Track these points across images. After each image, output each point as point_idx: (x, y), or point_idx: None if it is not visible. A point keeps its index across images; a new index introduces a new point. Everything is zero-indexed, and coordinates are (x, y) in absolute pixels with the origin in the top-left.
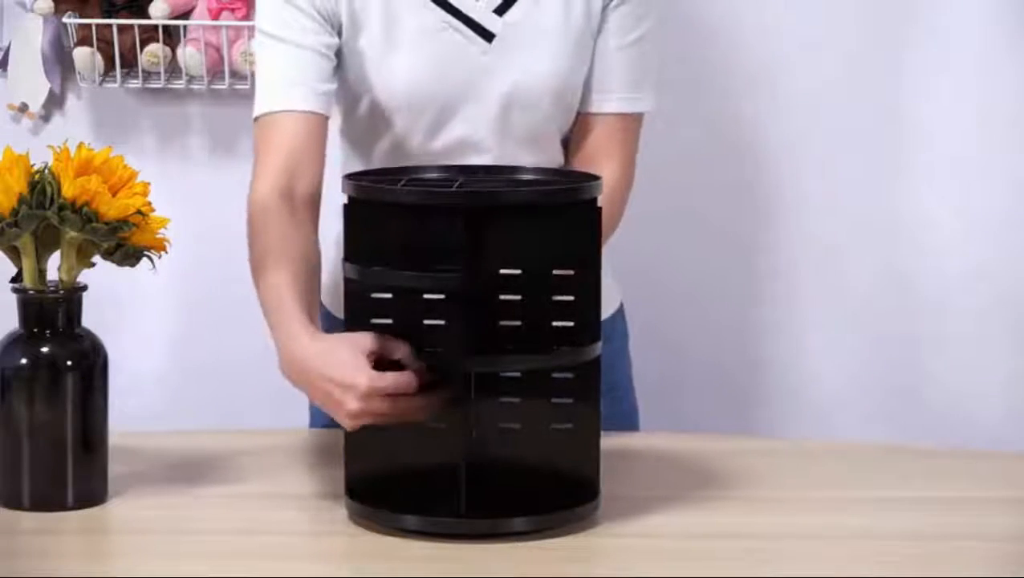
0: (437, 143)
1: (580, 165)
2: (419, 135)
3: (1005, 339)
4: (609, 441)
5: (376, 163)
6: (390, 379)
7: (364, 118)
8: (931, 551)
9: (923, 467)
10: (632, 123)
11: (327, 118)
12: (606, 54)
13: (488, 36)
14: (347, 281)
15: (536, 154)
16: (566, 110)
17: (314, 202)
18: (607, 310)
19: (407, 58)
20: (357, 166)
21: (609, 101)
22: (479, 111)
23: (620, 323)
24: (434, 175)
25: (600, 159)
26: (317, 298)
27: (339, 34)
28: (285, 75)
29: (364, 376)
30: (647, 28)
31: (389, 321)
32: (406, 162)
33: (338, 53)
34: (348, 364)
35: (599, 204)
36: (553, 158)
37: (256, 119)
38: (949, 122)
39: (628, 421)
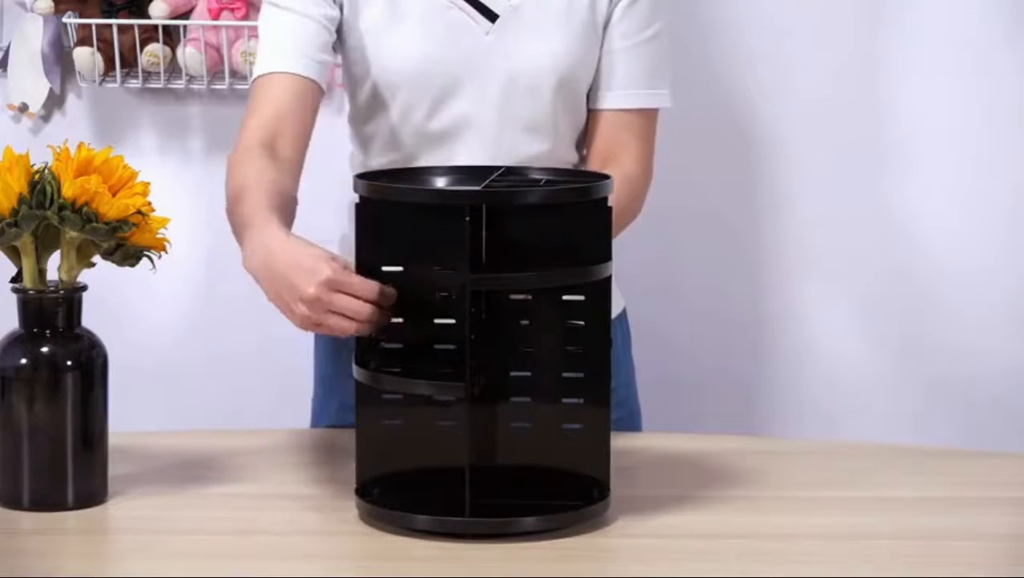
0: (436, 123)
1: (596, 162)
2: (419, 114)
3: (1010, 338)
4: (613, 441)
5: (375, 144)
6: (354, 279)
7: (367, 96)
8: (931, 551)
9: (923, 467)
10: (647, 119)
11: (319, 87)
12: (617, 51)
13: (492, 16)
14: None
15: (537, 144)
16: (571, 102)
17: (295, 160)
18: None
19: (410, 34)
20: (359, 149)
21: (621, 97)
22: (480, 92)
23: (622, 327)
24: (443, 176)
25: (616, 154)
26: (290, 224)
27: (341, 9)
28: (281, 41)
29: (329, 267)
30: (658, 27)
31: (400, 320)
32: (405, 143)
33: (339, 29)
34: (317, 256)
35: (614, 194)
36: (555, 153)
37: (252, 83)
38: (952, 120)
39: (630, 425)
